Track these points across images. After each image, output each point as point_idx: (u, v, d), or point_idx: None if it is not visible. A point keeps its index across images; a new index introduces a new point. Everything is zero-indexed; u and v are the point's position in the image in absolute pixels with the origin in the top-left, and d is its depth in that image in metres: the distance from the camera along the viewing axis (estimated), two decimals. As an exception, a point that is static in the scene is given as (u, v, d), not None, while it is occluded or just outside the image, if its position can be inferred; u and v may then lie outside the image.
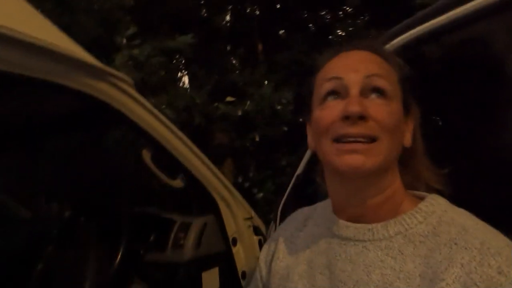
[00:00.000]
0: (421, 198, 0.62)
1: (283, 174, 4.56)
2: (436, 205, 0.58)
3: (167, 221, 1.61)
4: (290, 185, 1.51)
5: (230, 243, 1.66)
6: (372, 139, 0.54)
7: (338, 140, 0.56)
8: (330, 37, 5.31)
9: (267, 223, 1.83)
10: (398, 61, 0.64)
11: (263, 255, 0.77)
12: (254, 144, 4.50)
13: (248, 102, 4.02)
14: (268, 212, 4.29)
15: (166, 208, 1.67)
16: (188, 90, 4.46)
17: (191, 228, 1.55)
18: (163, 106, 3.51)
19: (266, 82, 4.12)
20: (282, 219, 1.59)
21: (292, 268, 0.67)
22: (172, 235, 1.54)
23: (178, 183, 1.51)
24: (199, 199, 1.62)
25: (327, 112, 0.58)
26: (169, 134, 1.46)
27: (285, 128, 4.22)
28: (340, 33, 5.49)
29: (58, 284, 1.45)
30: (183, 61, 5.99)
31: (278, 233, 0.77)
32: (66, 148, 1.75)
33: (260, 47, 5.98)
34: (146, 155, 1.41)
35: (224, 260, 1.65)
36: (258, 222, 1.77)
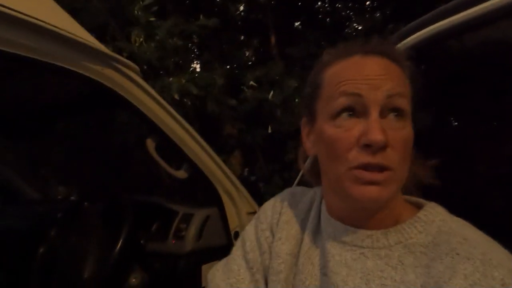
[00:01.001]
0: (418, 205, 0.60)
1: (291, 169, 4.52)
2: (435, 214, 0.56)
3: (170, 211, 1.60)
4: (297, 180, 1.47)
5: (232, 237, 1.64)
6: (389, 168, 0.51)
7: (362, 167, 0.52)
8: (346, 30, 5.20)
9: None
10: (411, 68, 0.58)
11: (265, 222, 0.70)
12: (265, 137, 4.46)
13: (272, 92, 3.94)
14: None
15: (169, 198, 1.66)
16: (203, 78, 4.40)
17: (193, 219, 1.53)
18: (174, 92, 3.39)
19: (284, 75, 4.06)
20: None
21: (294, 257, 0.65)
22: (174, 226, 1.53)
23: (182, 173, 1.49)
24: (202, 191, 1.60)
25: (344, 135, 0.52)
26: (175, 123, 1.44)
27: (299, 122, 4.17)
28: (356, 26, 5.37)
29: (60, 268, 1.45)
30: (195, 49, 5.97)
31: (279, 207, 0.71)
32: (74, 133, 1.74)
33: (273, 39, 5.91)
34: (151, 144, 1.40)
35: (225, 254, 1.63)
36: (262, 217, 1.75)
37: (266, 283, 0.68)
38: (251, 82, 4.31)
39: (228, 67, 5.11)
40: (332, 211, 0.63)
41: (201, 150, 1.52)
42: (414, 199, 0.62)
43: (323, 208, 0.65)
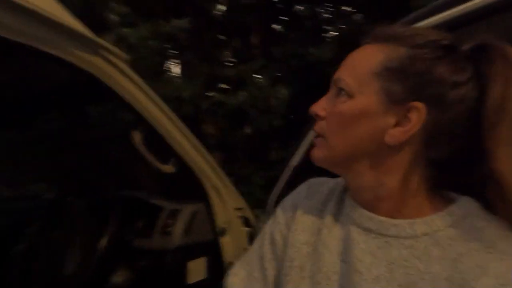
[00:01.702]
0: (451, 199, 0.58)
1: (272, 169, 4.53)
2: (470, 209, 0.55)
3: (156, 207, 1.55)
4: (286, 177, 1.47)
5: (219, 232, 1.62)
6: (321, 136, 0.60)
7: None
8: (328, 33, 5.28)
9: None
10: (407, 46, 0.55)
11: (283, 219, 0.70)
12: (245, 138, 4.44)
13: (244, 93, 3.93)
14: (254, 206, 4.26)
15: (155, 194, 1.62)
16: (180, 79, 4.33)
17: (179, 215, 1.50)
18: None
19: (262, 75, 4.05)
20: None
21: (310, 247, 0.63)
22: (160, 222, 1.49)
23: (169, 168, 1.46)
24: (189, 186, 1.56)
25: None
26: (163, 116, 1.40)
27: (277, 123, 4.17)
28: (339, 27, 5.45)
29: (41, 266, 1.38)
30: (176, 49, 5.88)
31: (296, 200, 0.71)
32: (53, 125, 1.66)
33: (255, 40, 5.92)
34: (137, 137, 1.35)
35: (211, 250, 1.61)
36: (249, 213, 1.73)
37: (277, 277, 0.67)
38: (222, 85, 4.32)
39: (209, 67, 5.06)
40: (356, 198, 0.63)
41: (189, 144, 1.50)
42: (447, 192, 0.60)
43: (349, 194, 0.65)
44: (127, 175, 1.68)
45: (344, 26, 4.81)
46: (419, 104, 0.54)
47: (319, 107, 0.60)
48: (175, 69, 5.93)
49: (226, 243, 1.65)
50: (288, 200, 0.74)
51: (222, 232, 1.64)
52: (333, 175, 0.75)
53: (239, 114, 4.12)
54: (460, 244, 0.51)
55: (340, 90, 0.58)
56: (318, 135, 0.61)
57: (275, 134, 4.45)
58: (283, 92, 3.94)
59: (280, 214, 0.72)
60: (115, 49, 1.18)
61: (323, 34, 5.49)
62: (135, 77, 1.29)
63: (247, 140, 4.47)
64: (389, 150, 0.56)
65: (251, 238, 1.73)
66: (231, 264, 1.67)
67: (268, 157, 4.53)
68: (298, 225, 0.66)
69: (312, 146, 0.63)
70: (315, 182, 0.75)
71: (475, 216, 0.54)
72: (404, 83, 0.54)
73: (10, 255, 1.40)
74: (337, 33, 4.57)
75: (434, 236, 0.53)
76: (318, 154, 0.61)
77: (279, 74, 4.00)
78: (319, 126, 0.60)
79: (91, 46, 1.13)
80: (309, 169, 1.56)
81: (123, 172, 1.68)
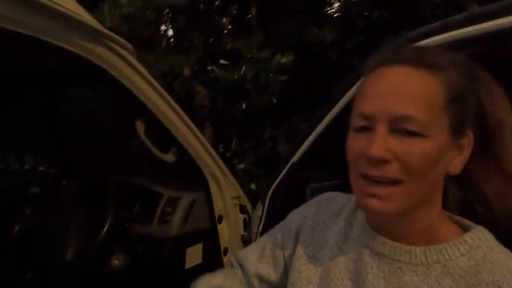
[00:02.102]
0: (465, 227, 0.59)
1: (265, 147, 4.55)
2: (483, 240, 0.55)
3: (155, 194, 1.57)
4: (284, 171, 1.49)
5: (216, 220, 1.66)
6: (394, 182, 0.52)
7: (363, 176, 0.54)
8: (327, 9, 5.14)
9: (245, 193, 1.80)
10: (450, 72, 0.54)
11: (291, 228, 0.74)
12: (240, 113, 4.40)
13: (244, 67, 3.84)
14: (247, 182, 4.32)
15: (154, 180, 1.63)
16: (176, 53, 4.20)
17: (179, 203, 1.52)
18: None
19: (262, 50, 3.95)
20: (272, 202, 1.60)
21: (317, 261, 0.66)
22: (159, 209, 1.51)
23: (170, 157, 1.46)
24: (189, 175, 1.58)
25: (355, 145, 0.56)
26: (166, 106, 1.39)
27: (274, 100, 4.13)
28: (337, 6, 5.31)
29: (38, 249, 1.40)
30: (170, 16, 5.67)
31: (307, 212, 0.73)
32: (58, 106, 1.63)
33: (254, 11, 5.73)
34: (140, 127, 1.35)
35: (208, 236, 1.65)
36: (245, 201, 1.77)
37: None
38: (221, 61, 4.20)
39: (206, 39, 4.91)
40: (372, 222, 0.63)
41: (191, 134, 1.49)
42: (461, 219, 0.60)
43: (362, 216, 0.66)
44: (127, 162, 1.68)
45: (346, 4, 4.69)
46: (469, 131, 0.55)
47: (382, 150, 0.51)
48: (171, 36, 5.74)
49: (222, 229, 1.70)
50: (300, 211, 0.76)
51: (219, 219, 1.68)
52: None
53: (236, 89, 4.06)
54: (472, 276, 0.51)
55: (405, 131, 0.51)
56: (388, 181, 0.52)
57: (270, 112, 4.44)
58: (286, 65, 3.84)
59: (288, 223, 0.75)
60: (121, 40, 1.15)
61: (327, 11, 5.35)
62: (140, 67, 1.26)
63: (241, 117, 4.45)
64: (442, 182, 0.56)
65: (246, 224, 1.78)
66: (225, 249, 1.74)
67: (262, 135, 4.54)
68: (307, 238, 0.69)
69: (362, 194, 0.54)
70: (327, 197, 0.76)
71: (488, 247, 0.54)
72: (461, 114, 0.54)
73: (4, 239, 1.41)
74: (339, 13, 4.46)
75: (446, 265, 0.53)
76: (389, 208, 0.52)
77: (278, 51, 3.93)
78: (391, 171, 0.51)
79: (96, 36, 1.09)
80: (307, 166, 1.58)
81: (123, 157, 1.68)
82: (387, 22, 3.72)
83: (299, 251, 0.68)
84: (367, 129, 0.54)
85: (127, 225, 1.48)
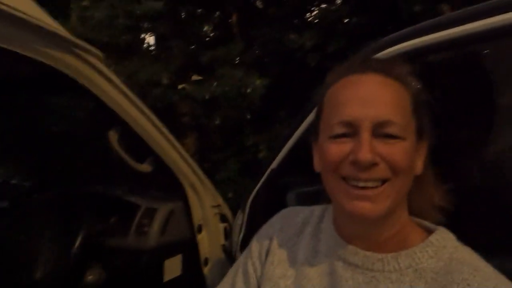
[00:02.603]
0: (427, 229, 0.61)
1: (247, 154, 4.53)
2: (447, 240, 0.57)
3: (131, 205, 1.53)
4: (263, 178, 1.47)
5: (196, 230, 1.62)
6: (382, 181, 0.53)
7: (346, 179, 0.55)
8: (308, 15, 5.19)
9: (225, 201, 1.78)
10: (413, 82, 0.60)
11: (256, 251, 0.71)
12: (217, 125, 4.38)
13: (215, 83, 3.83)
14: (227, 191, 4.27)
15: (130, 191, 1.58)
16: (155, 61, 4.15)
17: (156, 214, 1.48)
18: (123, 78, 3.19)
19: (241, 59, 3.94)
20: (252, 210, 1.57)
21: (287, 280, 0.64)
22: (136, 221, 1.47)
23: (145, 167, 1.42)
24: (167, 185, 1.54)
25: (335, 150, 0.56)
26: (139, 114, 1.36)
27: (248, 115, 4.13)
28: (316, 13, 5.38)
29: (5, 267, 1.33)
30: (150, 24, 5.61)
31: (271, 231, 0.72)
32: (27, 115, 1.56)
33: (235, 17, 5.75)
34: (113, 136, 1.31)
35: (187, 247, 1.61)
36: (225, 210, 1.74)
37: None
38: (194, 77, 4.19)
39: (186, 48, 4.87)
40: (342, 232, 0.62)
41: (167, 142, 1.46)
42: (420, 221, 0.62)
43: (330, 227, 0.65)
44: (101, 173, 1.63)
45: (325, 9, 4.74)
46: (427, 134, 0.59)
47: (371, 153, 0.52)
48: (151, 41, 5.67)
49: (202, 239, 1.66)
50: (263, 232, 0.74)
51: (199, 229, 1.64)
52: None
53: (211, 103, 4.04)
54: (442, 277, 0.53)
55: (388, 135, 0.53)
56: (377, 182, 0.53)
57: (251, 119, 4.44)
58: (258, 83, 3.85)
59: (254, 247, 0.73)
60: (89, 47, 1.12)
61: (307, 17, 5.39)
62: (111, 75, 1.23)
63: (222, 125, 4.42)
64: (410, 184, 0.58)
65: (227, 233, 1.75)
66: (206, 259, 1.70)
67: (244, 142, 4.52)
68: (275, 257, 0.67)
69: (349, 197, 0.54)
70: (289, 212, 0.75)
71: (453, 247, 0.57)
72: (421, 119, 0.58)
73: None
74: (317, 20, 4.50)
75: (418, 270, 0.55)
76: (379, 208, 0.53)
77: (258, 60, 3.93)
78: (380, 172, 0.53)
79: (64, 44, 1.05)
80: (286, 173, 1.57)
81: (97, 169, 1.63)
82: (366, 28, 3.79)
83: (268, 272, 0.66)
84: (347, 135, 0.55)
85: (102, 238, 1.43)
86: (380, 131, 0.53)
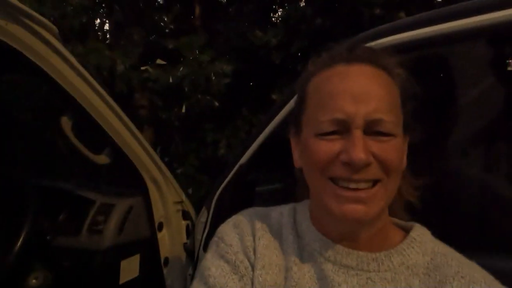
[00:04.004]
0: (401, 226, 0.61)
1: (208, 150, 4.42)
2: (426, 235, 0.58)
3: (85, 200, 1.38)
4: (231, 174, 1.40)
5: (156, 228, 1.51)
6: (374, 182, 0.51)
7: (335, 180, 0.51)
8: (272, 15, 5.18)
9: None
10: (400, 73, 0.56)
11: (238, 245, 0.59)
12: (180, 116, 4.21)
13: (181, 68, 3.67)
14: (187, 187, 4.14)
15: (83, 185, 1.44)
16: (113, 48, 3.90)
17: (113, 211, 1.35)
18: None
19: (204, 52, 3.81)
20: (218, 207, 1.50)
21: (279, 286, 0.55)
22: (89, 218, 1.33)
23: (103, 158, 1.29)
24: (126, 179, 1.42)
25: (324, 149, 0.52)
26: (98, 99, 1.22)
27: (216, 104, 4.02)
28: (280, 13, 5.39)
29: None
30: (106, 9, 5.30)
31: (252, 229, 0.61)
32: None
33: (198, 10, 5.59)
34: (66, 124, 1.17)
35: (147, 246, 1.50)
36: (188, 206, 1.64)
37: None
38: (158, 60, 4.01)
39: (146, 35, 4.65)
40: (327, 232, 0.58)
41: (127, 132, 1.34)
42: (391, 218, 0.61)
43: (311, 228, 0.60)
44: (51, 164, 1.46)
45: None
46: (410, 128, 0.57)
47: (366, 153, 0.49)
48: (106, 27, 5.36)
49: (163, 238, 1.55)
50: (242, 227, 0.62)
51: (160, 227, 1.53)
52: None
53: (174, 92, 3.87)
54: (433, 271, 0.53)
55: (380, 133, 0.51)
56: (369, 183, 0.50)
57: (212, 114, 4.33)
58: (226, 71, 3.76)
59: (234, 240, 0.60)
60: (42, 19, 0.98)
61: (272, 16, 5.38)
62: (67, 53, 1.09)
63: (182, 119, 4.27)
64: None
65: (189, 231, 1.65)
66: (166, 259, 1.59)
67: (204, 138, 4.40)
68: (265, 260, 0.58)
69: (339, 200, 0.51)
70: (258, 212, 0.65)
71: (432, 241, 0.57)
72: (408, 112, 0.56)
73: None
74: (280, 19, 4.50)
75: (410, 266, 0.54)
76: (373, 211, 0.50)
77: (222, 53, 3.83)
78: (373, 172, 0.50)
79: (9, 11, 0.91)
80: (255, 168, 1.51)
81: (46, 160, 1.46)
82: (329, 29, 3.85)
83: (259, 278, 0.56)
84: (336, 132, 0.51)
85: (48, 237, 1.27)
86: (372, 128, 0.50)
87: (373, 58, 0.54)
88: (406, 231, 0.59)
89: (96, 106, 1.21)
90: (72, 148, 1.24)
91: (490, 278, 0.53)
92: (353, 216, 0.50)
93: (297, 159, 0.60)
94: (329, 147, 0.51)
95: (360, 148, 0.48)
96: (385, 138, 0.50)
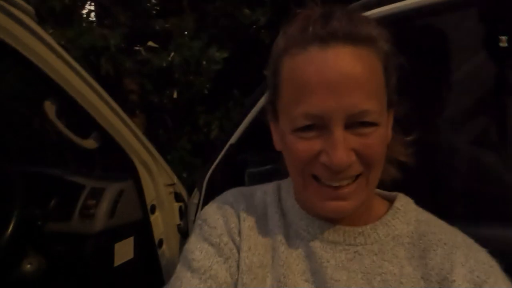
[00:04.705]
0: (384, 196, 0.61)
1: (200, 133, 4.39)
2: (410, 204, 0.59)
3: (74, 185, 1.37)
4: (221, 154, 1.40)
5: (148, 210, 1.52)
6: (356, 177, 0.49)
7: (317, 178, 0.50)
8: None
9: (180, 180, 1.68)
10: (383, 45, 0.50)
11: (222, 227, 0.57)
12: (171, 100, 4.15)
13: (173, 53, 3.60)
14: (181, 171, 4.13)
15: (74, 171, 1.43)
16: (99, 28, 3.80)
17: (104, 195, 1.35)
18: (62, 42, 2.83)
19: (194, 35, 3.74)
20: (209, 187, 1.50)
21: (265, 268, 0.55)
22: (80, 203, 1.33)
23: (90, 143, 1.28)
24: (116, 163, 1.41)
25: (303, 148, 0.48)
26: (81, 82, 1.20)
27: (206, 91, 3.95)
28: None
29: None
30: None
31: (235, 209, 0.60)
32: None
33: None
34: (50, 108, 1.14)
35: (140, 228, 1.51)
36: (180, 188, 1.65)
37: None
38: (150, 43, 3.90)
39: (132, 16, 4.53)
40: (311, 209, 0.57)
41: (114, 115, 1.32)
42: (376, 190, 0.60)
43: (295, 206, 0.59)
44: (40, 150, 1.45)
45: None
46: (395, 98, 0.54)
47: (347, 155, 0.46)
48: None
49: (156, 220, 1.56)
50: (225, 208, 0.60)
51: (152, 209, 1.54)
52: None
53: (166, 75, 3.80)
54: (417, 240, 0.54)
55: (363, 124, 0.47)
56: (351, 178, 0.49)
57: (203, 97, 4.28)
58: (218, 55, 3.69)
59: (218, 222, 0.58)
60: (19, 1, 0.94)
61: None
62: (45, 35, 1.06)
63: (174, 103, 4.22)
64: None
65: (182, 213, 1.66)
66: (160, 240, 1.61)
67: (196, 120, 4.37)
68: (251, 242, 0.56)
69: (321, 197, 0.50)
70: (242, 192, 0.64)
71: (415, 210, 0.58)
72: (391, 85, 0.52)
73: None
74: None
75: (395, 237, 0.54)
76: (355, 203, 0.49)
77: (213, 38, 3.74)
78: (354, 169, 0.48)
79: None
80: (245, 148, 1.51)
81: (32, 145, 1.45)
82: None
83: (245, 260, 0.55)
84: (314, 127, 0.47)
85: (39, 222, 1.27)
86: (353, 121, 0.46)
87: (353, 32, 0.47)
88: (390, 201, 0.60)
89: (79, 89, 1.19)
90: (59, 134, 1.23)
91: (470, 241, 0.54)
92: (336, 212, 0.50)
93: (278, 142, 0.57)
94: (308, 146, 0.48)
95: (341, 151, 0.45)
96: (367, 130, 0.46)
